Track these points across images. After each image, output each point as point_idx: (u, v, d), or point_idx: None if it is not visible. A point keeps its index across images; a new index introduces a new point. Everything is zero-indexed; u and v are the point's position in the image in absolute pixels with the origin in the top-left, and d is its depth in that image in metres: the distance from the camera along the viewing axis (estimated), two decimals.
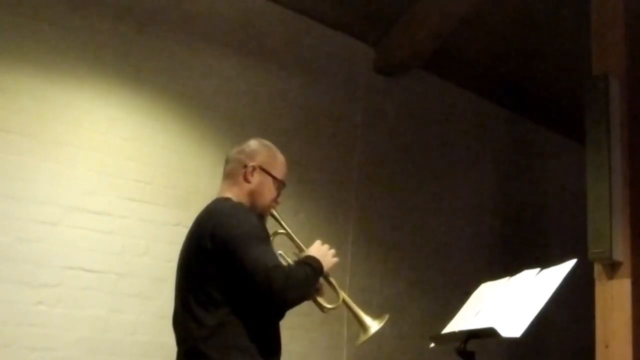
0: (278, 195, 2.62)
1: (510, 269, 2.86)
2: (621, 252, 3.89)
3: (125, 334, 4.03)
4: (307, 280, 2.38)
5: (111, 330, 3.98)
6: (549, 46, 5.78)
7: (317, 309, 2.65)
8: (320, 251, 2.51)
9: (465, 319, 2.62)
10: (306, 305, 2.57)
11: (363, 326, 2.58)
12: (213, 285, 2.34)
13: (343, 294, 2.61)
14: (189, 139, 4.49)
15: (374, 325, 2.56)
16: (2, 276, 3.66)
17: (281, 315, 2.53)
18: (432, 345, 2.70)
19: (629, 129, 4.09)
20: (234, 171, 2.58)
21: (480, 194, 6.37)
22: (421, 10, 5.26)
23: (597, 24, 4.26)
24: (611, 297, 3.91)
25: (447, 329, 2.65)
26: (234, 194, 2.54)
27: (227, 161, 2.63)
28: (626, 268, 3.90)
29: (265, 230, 2.48)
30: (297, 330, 4.55)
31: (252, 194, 2.55)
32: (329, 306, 2.61)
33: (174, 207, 4.31)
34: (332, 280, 2.60)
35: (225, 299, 2.32)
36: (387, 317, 2.58)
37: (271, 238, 2.61)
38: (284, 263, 2.56)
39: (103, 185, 4.07)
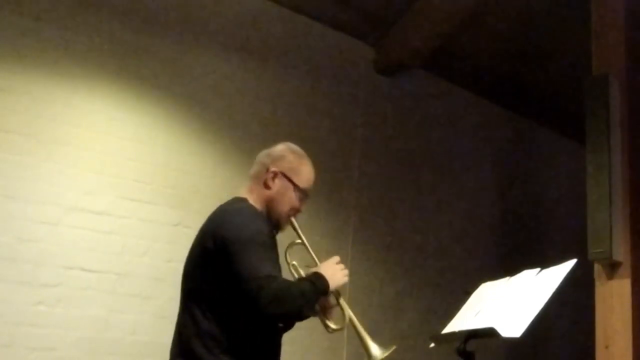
0: (300, 204, 2.55)
1: (510, 269, 2.86)
2: (621, 252, 3.89)
3: (125, 334, 4.03)
4: (301, 296, 2.26)
5: (111, 330, 3.98)
6: (549, 46, 5.77)
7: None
8: (331, 269, 2.43)
9: (465, 319, 2.62)
10: None
11: (367, 352, 2.48)
12: (211, 286, 2.31)
13: (351, 315, 2.51)
14: (189, 139, 4.49)
15: (378, 354, 2.45)
16: (2, 276, 3.66)
17: (286, 328, 2.48)
18: (432, 345, 2.70)
19: (629, 129, 4.09)
20: (257, 174, 2.54)
21: (480, 194, 6.37)
22: (421, 10, 5.26)
23: (597, 24, 4.26)
24: (611, 297, 3.90)
25: (447, 329, 2.64)
26: (253, 197, 2.49)
27: (255, 162, 2.59)
28: (626, 268, 3.90)
29: (271, 237, 2.41)
30: (297, 330, 4.53)
31: (270, 201, 2.49)
32: (333, 326, 2.54)
33: (174, 207, 4.31)
34: (341, 300, 2.51)
35: (222, 300, 2.29)
36: (393, 347, 2.47)
37: (288, 248, 2.57)
38: (295, 275, 2.52)
39: (103, 185, 4.07)
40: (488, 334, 2.36)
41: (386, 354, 2.46)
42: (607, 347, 3.85)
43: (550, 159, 6.95)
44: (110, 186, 4.10)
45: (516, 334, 2.29)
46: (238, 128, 4.67)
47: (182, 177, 4.40)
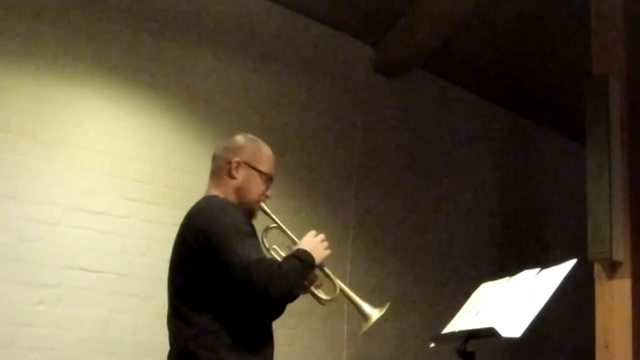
0: (266, 189, 2.59)
1: (510, 269, 2.86)
2: (621, 252, 3.89)
3: (125, 334, 4.03)
4: (293, 273, 2.33)
5: (111, 330, 3.98)
6: (549, 46, 5.77)
7: (316, 309, 2.64)
8: (312, 243, 2.47)
9: (465, 319, 2.62)
10: (306, 305, 2.55)
11: (363, 315, 2.51)
12: (200, 283, 2.33)
13: (340, 284, 2.55)
14: (189, 139, 4.49)
15: (374, 314, 2.49)
16: (2, 276, 3.66)
17: (277, 314, 2.53)
18: (432, 345, 2.70)
19: (629, 129, 4.10)
20: (219, 168, 2.58)
21: (480, 194, 6.37)
22: (421, 10, 5.26)
23: (597, 24, 4.26)
24: (611, 297, 3.91)
25: (447, 329, 2.65)
26: (221, 191, 2.53)
27: (213, 159, 2.63)
28: (626, 268, 3.90)
29: (250, 224, 2.46)
30: (297, 330, 4.55)
31: (238, 190, 2.53)
32: (326, 297, 2.55)
33: (174, 207, 4.30)
34: (327, 270, 2.54)
35: (212, 296, 2.32)
36: (387, 305, 2.51)
37: (264, 233, 2.60)
38: (277, 258, 2.54)
39: (103, 185, 4.07)
40: (488, 334, 2.36)
41: (382, 312, 2.49)
42: (607, 347, 3.85)
43: (550, 159, 6.95)
44: (110, 186, 4.10)
45: (516, 334, 2.30)
46: (238, 128, 4.64)
47: (182, 177, 4.40)
